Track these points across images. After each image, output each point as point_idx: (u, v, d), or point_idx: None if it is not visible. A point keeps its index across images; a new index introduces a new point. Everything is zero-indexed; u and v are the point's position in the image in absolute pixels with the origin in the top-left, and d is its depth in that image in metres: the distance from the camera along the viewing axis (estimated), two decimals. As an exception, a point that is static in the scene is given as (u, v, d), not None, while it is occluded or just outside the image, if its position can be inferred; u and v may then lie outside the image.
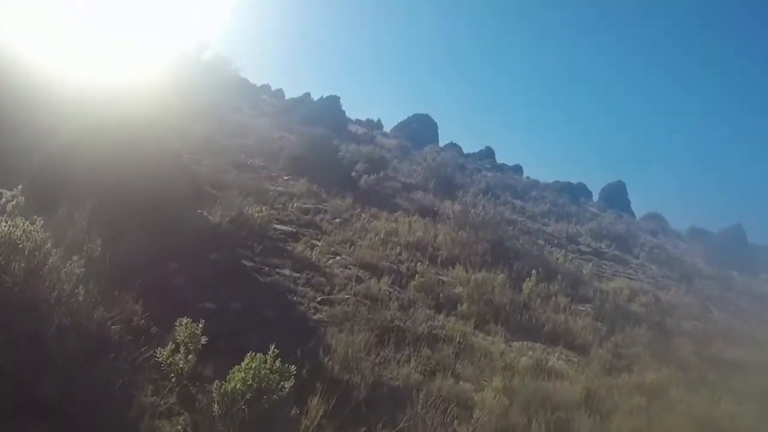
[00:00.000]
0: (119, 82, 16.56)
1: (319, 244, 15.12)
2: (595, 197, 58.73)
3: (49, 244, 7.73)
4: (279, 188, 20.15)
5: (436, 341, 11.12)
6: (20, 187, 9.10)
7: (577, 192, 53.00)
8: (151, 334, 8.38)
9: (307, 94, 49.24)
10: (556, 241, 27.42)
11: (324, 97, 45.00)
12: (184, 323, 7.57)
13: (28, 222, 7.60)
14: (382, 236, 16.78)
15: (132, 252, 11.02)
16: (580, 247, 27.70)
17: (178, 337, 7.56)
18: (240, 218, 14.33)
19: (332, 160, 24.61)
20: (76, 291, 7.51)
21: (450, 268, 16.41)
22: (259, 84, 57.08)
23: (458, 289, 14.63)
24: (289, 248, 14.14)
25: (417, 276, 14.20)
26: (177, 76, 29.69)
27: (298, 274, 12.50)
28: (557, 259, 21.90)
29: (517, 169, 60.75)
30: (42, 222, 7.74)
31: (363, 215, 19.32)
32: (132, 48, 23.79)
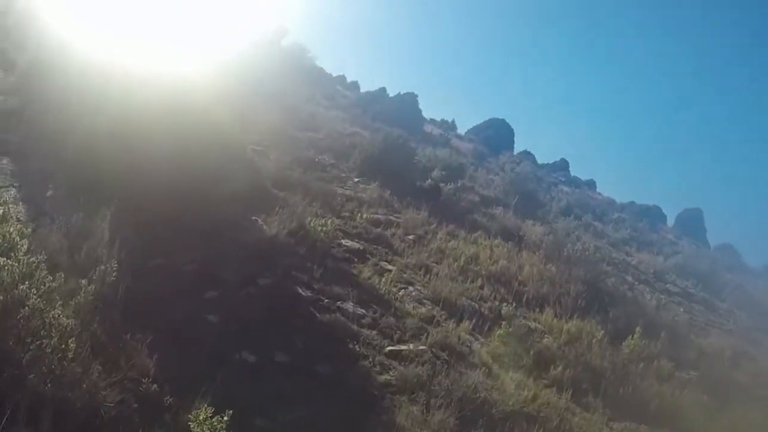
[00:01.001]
0: (182, 65, 14.81)
1: (390, 268, 12.83)
2: (670, 221, 55.39)
3: (41, 268, 5.65)
4: (348, 192, 17.90)
5: (529, 421, 8.71)
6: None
7: (653, 216, 49.81)
8: (164, 406, 6.12)
9: (383, 89, 46.86)
10: (643, 277, 24.71)
11: (401, 93, 42.54)
12: (201, 418, 5.19)
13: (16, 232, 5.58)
14: (461, 263, 14.37)
15: (159, 273, 8.89)
16: (667, 286, 24.97)
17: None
18: (301, 231, 12.12)
19: (408, 163, 22.25)
20: (63, 346, 5.34)
21: (538, 310, 13.98)
22: (335, 74, 55.05)
23: (548, 340, 12.22)
24: (355, 272, 11.94)
25: (503, 325, 11.75)
26: (249, 62, 28.12)
27: (364, 311, 10.22)
28: (652, 302, 19.31)
29: (591, 184, 57.87)
30: (31, 232, 5.65)
31: (439, 233, 16.96)
32: (202, 30, 22.36)
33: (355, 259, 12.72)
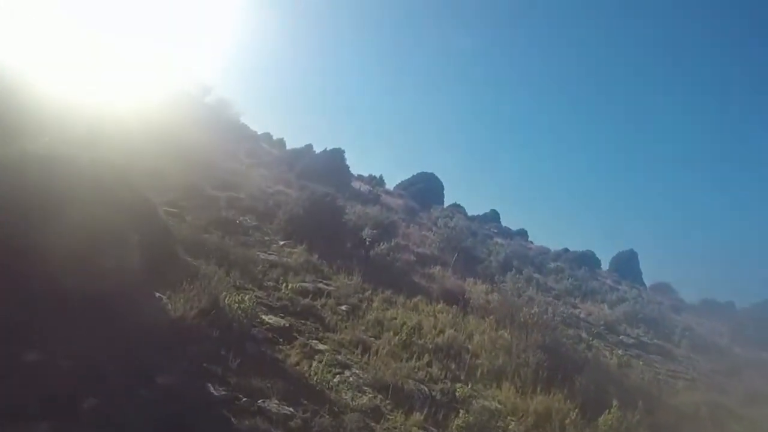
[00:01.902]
0: (91, 114, 14.87)
1: (322, 347, 10.91)
2: (604, 264, 54.67)
3: None
4: (272, 257, 15.93)
5: None
6: None
7: (588, 261, 49.02)
8: None
9: (309, 146, 45.18)
10: (595, 330, 23.10)
11: (327, 149, 40.77)
12: None
13: None
14: (403, 336, 12.39)
15: (29, 372, 6.78)
16: (621, 337, 23.44)
17: None
18: (213, 309, 10.03)
19: (337, 223, 20.33)
20: None
21: (495, 385, 12.09)
22: (260, 132, 53.30)
23: (514, 425, 10.33)
24: (280, 357, 9.99)
25: (461, 412, 9.79)
26: (169, 118, 26.36)
27: (291, 409, 8.20)
28: (612, 361, 17.62)
29: (523, 233, 57.28)
30: None
31: (376, 300, 15.05)
32: (121, 81, 20.95)
33: (281, 340, 10.74)
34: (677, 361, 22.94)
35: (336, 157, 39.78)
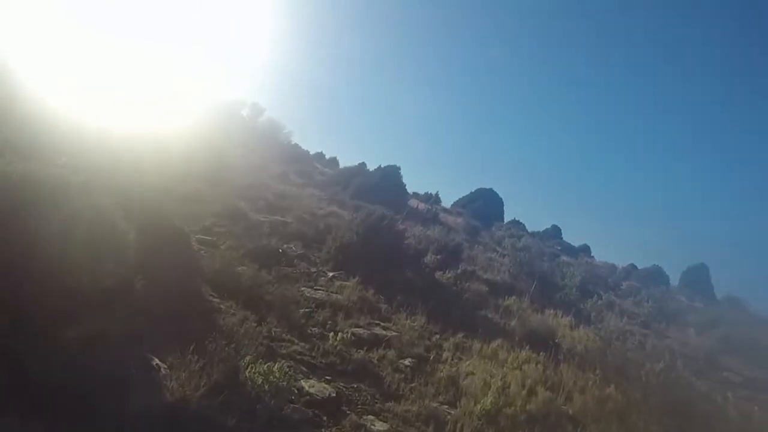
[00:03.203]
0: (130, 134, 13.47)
1: (380, 428, 8.01)
2: (673, 280, 50.71)
3: None
4: (319, 293, 13.02)
5: None
6: None
7: (658, 278, 45.45)
8: None
9: (363, 164, 42.32)
10: (695, 366, 19.43)
11: (382, 166, 37.74)
12: None
13: None
14: (487, 405, 9.19)
15: None
16: (726, 374, 19.70)
17: None
18: (232, 384, 7.11)
19: (396, 249, 17.25)
20: None
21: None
22: (312, 152, 50.67)
23: None
24: (322, 452, 6.94)
25: None
26: (216, 137, 24.07)
27: None
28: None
29: (586, 249, 53.33)
30: None
31: (446, 347, 12.02)
32: (167, 101, 20.35)
33: (324, 418, 7.80)
34: None
35: (391, 174, 36.76)
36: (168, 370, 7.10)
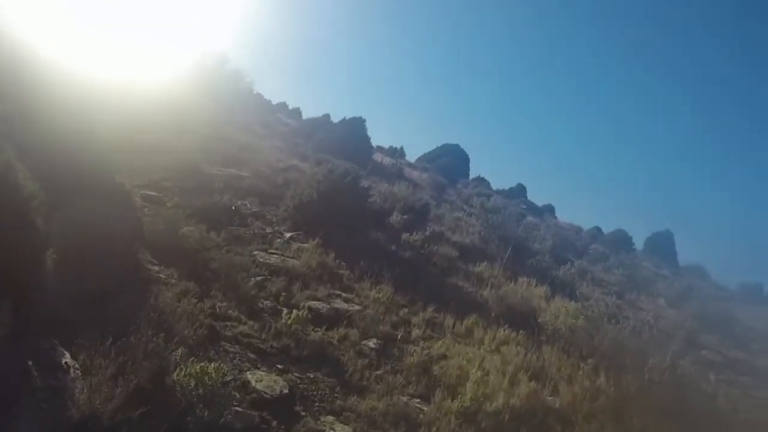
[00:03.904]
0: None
1: (341, 433, 6.46)
2: (637, 244, 49.99)
3: None
4: (273, 258, 11.51)
5: None
6: None
7: (624, 243, 44.52)
8: None
9: (327, 116, 40.62)
10: (675, 345, 18.03)
11: (347, 118, 36.04)
12: None
13: None
14: (466, 401, 7.75)
15: None
16: (704, 353, 18.31)
17: None
18: (158, 389, 5.67)
19: (359, 208, 15.66)
20: None
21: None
22: (275, 102, 48.72)
23: None
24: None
25: None
26: (176, 87, 24.42)
27: None
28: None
29: (550, 210, 52.23)
30: None
31: (415, 324, 10.65)
32: (122, 49, 19.15)
33: (273, 424, 6.39)
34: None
35: (356, 127, 35.09)
36: (78, 372, 5.58)
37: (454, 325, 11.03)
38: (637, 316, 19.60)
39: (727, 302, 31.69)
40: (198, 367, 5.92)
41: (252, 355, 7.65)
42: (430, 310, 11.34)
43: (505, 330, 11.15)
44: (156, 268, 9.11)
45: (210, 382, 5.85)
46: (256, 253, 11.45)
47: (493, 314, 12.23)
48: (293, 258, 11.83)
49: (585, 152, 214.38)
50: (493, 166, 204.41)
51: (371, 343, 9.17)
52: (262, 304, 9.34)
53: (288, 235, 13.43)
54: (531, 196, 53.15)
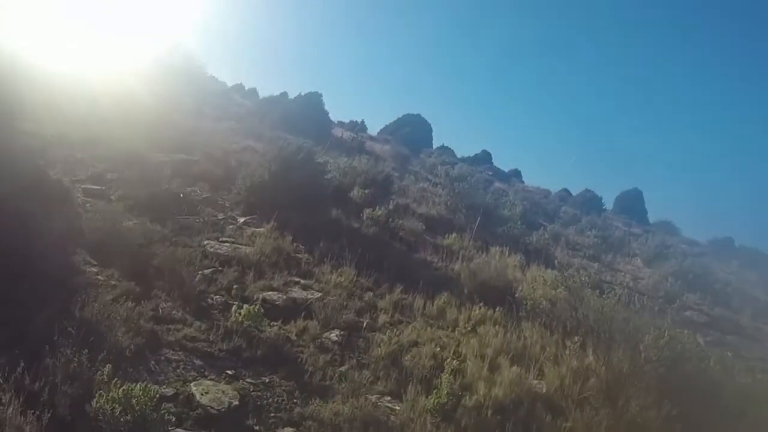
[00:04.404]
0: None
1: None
2: (607, 203, 49.76)
3: None
4: (224, 247, 10.57)
5: None
6: None
7: (594, 204, 44.28)
8: None
9: (284, 93, 39.43)
10: (656, 307, 17.11)
11: (303, 94, 34.98)
12: None
13: None
14: (442, 396, 6.83)
15: None
16: (688, 314, 17.56)
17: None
18: (78, 419, 4.76)
19: (316, 186, 14.61)
20: None
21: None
22: (231, 84, 47.32)
23: None
24: None
25: None
26: (121, 74, 23.10)
27: None
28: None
29: (517, 175, 51.78)
30: None
31: (382, 308, 9.76)
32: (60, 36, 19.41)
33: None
34: (755, 340, 17.42)
35: (313, 102, 34.06)
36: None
37: (424, 306, 10.09)
38: (615, 278, 18.96)
39: (701, 258, 31.25)
40: (120, 390, 4.96)
41: (198, 362, 6.73)
42: (397, 291, 10.39)
43: (480, 308, 10.22)
44: (95, 269, 8.21)
45: (138, 406, 4.91)
46: (206, 242, 10.48)
47: (466, 291, 11.29)
48: (246, 245, 10.87)
49: (548, 115, 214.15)
50: (458, 135, 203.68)
51: (333, 335, 8.25)
52: (212, 300, 8.41)
53: (241, 220, 12.48)
54: (497, 162, 52.53)
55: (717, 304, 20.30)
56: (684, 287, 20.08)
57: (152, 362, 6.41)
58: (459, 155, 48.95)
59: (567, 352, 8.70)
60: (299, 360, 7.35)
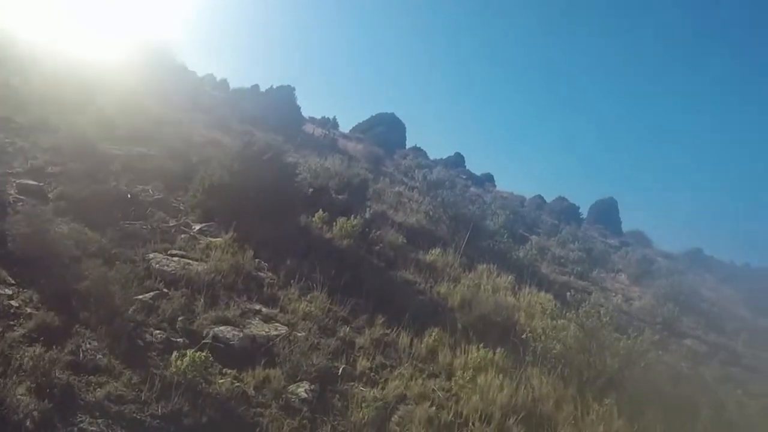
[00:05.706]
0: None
1: None
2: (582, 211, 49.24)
3: None
4: (173, 263, 8.69)
5: None
6: None
7: (571, 212, 44.01)
8: None
9: (256, 86, 37.80)
10: (656, 337, 15.46)
11: (275, 87, 33.30)
12: None
13: None
14: None
15: None
16: (688, 342, 15.96)
17: None
18: None
19: (284, 189, 12.68)
20: None
21: None
22: (201, 74, 45.49)
23: None
24: None
25: None
26: (89, 62, 22.35)
27: None
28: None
29: (489, 179, 50.83)
30: None
31: (362, 350, 7.96)
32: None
33: None
34: (756, 371, 15.85)
35: (284, 96, 32.53)
36: None
37: (411, 344, 8.31)
38: (609, 299, 17.52)
39: (683, 274, 30.24)
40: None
41: (123, 432, 4.92)
42: (378, 323, 8.61)
43: (478, 349, 8.45)
44: (9, 290, 6.42)
45: None
46: (151, 256, 8.62)
47: (460, 326, 9.51)
48: (200, 260, 9.03)
49: (519, 119, 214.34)
50: (429, 135, 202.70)
51: (302, 389, 6.41)
52: (150, 336, 6.58)
53: (196, 227, 10.65)
54: (468, 165, 51.59)
55: (711, 328, 19.24)
56: (678, 310, 18.63)
57: (62, 436, 4.64)
58: (432, 157, 47.90)
59: (591, 414, 6.93)
60: (258, 429, 5.55)
